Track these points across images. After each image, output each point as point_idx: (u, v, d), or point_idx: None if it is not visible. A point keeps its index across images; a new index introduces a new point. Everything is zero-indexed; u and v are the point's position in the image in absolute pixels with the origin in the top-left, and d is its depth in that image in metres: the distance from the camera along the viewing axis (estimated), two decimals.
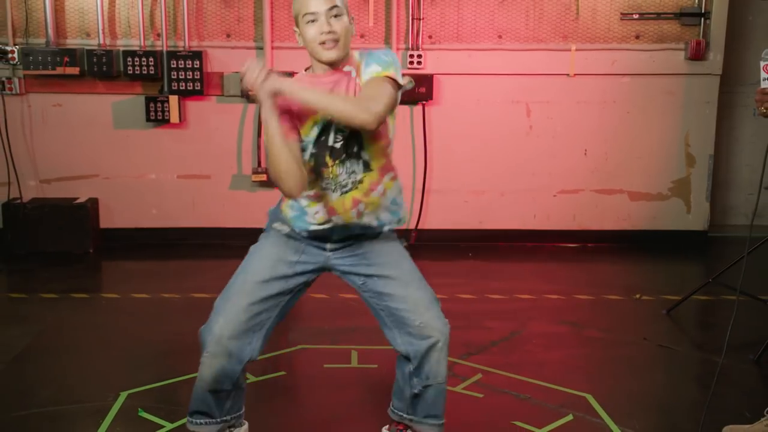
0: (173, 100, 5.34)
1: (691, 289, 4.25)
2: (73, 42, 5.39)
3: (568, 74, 5.54)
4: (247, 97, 5.27)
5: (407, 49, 5.46)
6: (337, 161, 2.31)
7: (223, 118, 5.53)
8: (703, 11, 5.47)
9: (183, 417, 2.52)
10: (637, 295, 4.53)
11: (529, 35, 5.51)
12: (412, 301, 2.41)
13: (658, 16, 5.49)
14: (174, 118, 5.37)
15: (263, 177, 5.46)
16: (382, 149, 2.37)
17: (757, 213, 3.82)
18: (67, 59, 5.23)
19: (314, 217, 2.36)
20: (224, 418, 2.48)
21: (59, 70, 5.24)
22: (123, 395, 3.11)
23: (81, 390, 3.17)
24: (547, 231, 5.73)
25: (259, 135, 5.47)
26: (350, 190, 2.34)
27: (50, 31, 5.29)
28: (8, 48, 5.27)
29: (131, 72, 5.28)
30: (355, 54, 2.34)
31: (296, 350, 3.66)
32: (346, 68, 2.31)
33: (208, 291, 2.49)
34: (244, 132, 5.54)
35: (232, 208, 5.61)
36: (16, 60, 5.29)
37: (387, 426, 2.68)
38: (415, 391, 2.48)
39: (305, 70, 2.39)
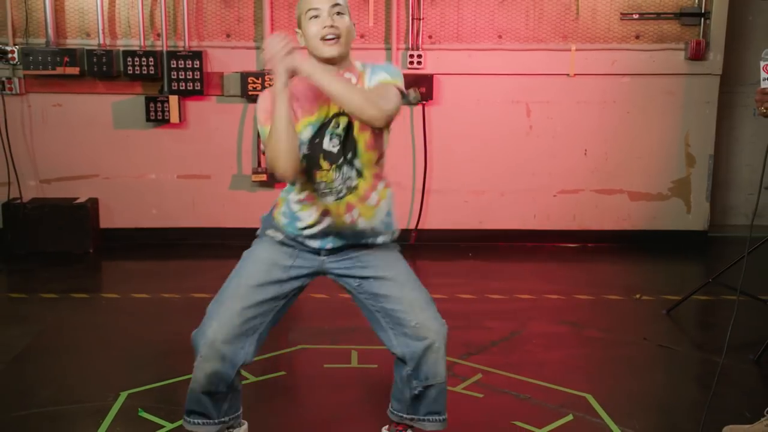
0: (173, 100, 5.34)
1: (691, 289, 4.25)
2: (73, 42, 5.39)
3: (568, 74, 5.54)
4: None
5: (407, 49, 5.46)
6: (333, 166, 2.31)
7: (223, 118, 5.53)
8: (703, 11, 5.47)
9: (182, 417, 2.52)
10: (637, 295, 4.53)
11: (529, 35, 5.51)
12: (407, 302, 2.40)
13: (658, 16, 5.49)
14: (174, 118, 5.37)
15: (263, 177, 5.46)
16: (376, 159, 2.37)
17: (757, 213, 3.82)
18: (67, 59, 5.23)
19: (306, 220, 2.36)
20: (222, 419, 2.47)
21: (59, 70, 5.24)
22: (123, 395, 3.11)
23: (81, 390, 3.17)
24: (547, 231, 5.73)
25: (259, 135, 5.46)
26: (345, 195, 2.34)
27: (50, 31, 5.29)
28: (8, 48, 5.27)
29: (131, 72, 5.28)
30: (357, 63, 2.35)
31: (296, 350, 3.66)
32: (347, 74, 2.31)
33: (208, 291, 2.48)
34: (244, 132, 5.54)
35: (232, 208, 5.61)
36: (16, 60, 5.29)
37: (387, 426, 2.68)
38: (416, 392, 2.48)
39: None
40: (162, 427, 2.86)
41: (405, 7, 5.43)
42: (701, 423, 2.70)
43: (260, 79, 5.30)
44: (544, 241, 5.72)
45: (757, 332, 3.69)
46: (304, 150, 2.30)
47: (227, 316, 2.33)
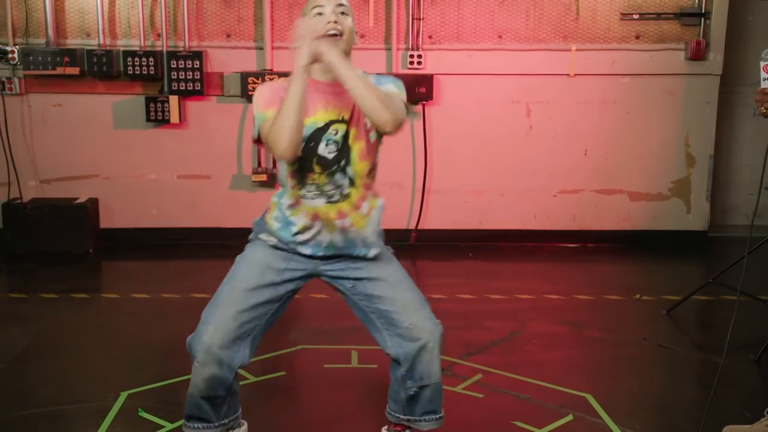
0: (173, 100, 5.34)
1: (691, 289, 4.25)
2: (73, 42, 5.39)
3: (568, 74, 5.54)
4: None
5: (407, 49, 5.46)
6: (326, 172, 2.32)
7: (223, 119, 5.53)
8: (703, 11, 5.47)
9: (183, 417, 2.52)
10: (637, 295, 4.53)
11: (529, 35, 5.51)
12: (400, 302, 2.41)
13: (658, 16, 5.49)
14: (174, 118, 5.37)
15: (263, 177, 5.46)
16: (368, 170, 2.37)
17: (757, 213, 3.82)
18: (67, 59, 5.23)
19: (298, 224, 2.36)
20: (222, 422, 2.47)
21: (59, 70, 5.24)
22: (123, 395, 3.11)
23: (81, 390, 3.17)
24: (547, 231, 5.73)
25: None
26: (337, 201, 2.34)
27: (50, 31, 5.29)
28: (8, 48, 5.27)
29: (131, 72, 5.28)
30: (358, 70, 2.35)
31: (296, 350, 3.66)
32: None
33: (208, 291, 2.48)
34: (244, 132, 5.54)
35: (232, 208, 5.61)
36: (16, 60, 5.29)
37: (386, 427, 2.68)
38: (411, 393, 2.48)
39: None
40: (162, 427, 2.86)
41: (405, 7, 5.43)
42: (701, 423, 2.70)
43: (260, 79, 5.30)
44: (544, 241, 5.72)
45: (757, 332, 3.69)
46: (299, 153, 2.30)
47: (223, 321, 2.32)
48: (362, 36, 5.43)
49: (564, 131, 5.62)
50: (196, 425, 2.45)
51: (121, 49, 5.34)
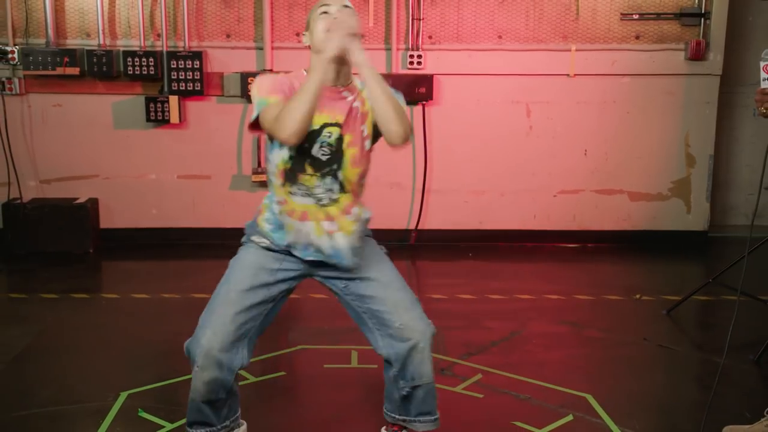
0: (173, 100, 5.34)
1: (691, 289, 4.25)
2: (73, 42, 5.39)
3: (568, 74, 5.54)
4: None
5: (407, 49, 5.46)
6: (317, 173, 2.33)
7: (223, 119, 5.53)
8: (703, 11, 5.47)
9: (183, 417, 2.52)
10: (637, 296, 4.53)
11: (529, 35, 5.51)
12: (392, 302, 2.42)
13: (658, 16, 5.49)
14: (174, 118, 5.37)
15: (263, 177, 5.46)
16: (358, 177, 2.39)
17: (757, 213, 3.82)
18: (67, 59, 5.23)
19: (287, 224, 2.36)
20: (223, 424, 2.47)
21: (59, 71, 5.24)
22: (123, 395, 3.11)
23: (81, 390, 3.17)
24: (547, 231, 5.73)
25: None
26: (327, 204, 2.35)
27: (50, 32, 5.29)
28: (8, 48, 5.27)
29: (131, 72, 5.28)
30: (357, 82, 2.37)
31: (296, 350, 3.66)
32: (344, 93, 2.34)
33: (208, 291, 2.48)
34: (244, 132, 5.54)
35: (232, 208, 5.61)
36: (16, 60, 5.29)
37: (385, 427, 2.68)
38: (403, 393, 2.49)
39: (304, 70, 2.39)
40: (162, 427, 2.86)
41: (405, 8, 5.43)
42: (701, 423, 2.70)
43: None
44: (544, 241, 5.72)
45: (757, 332, 3.69)
46: (291, 152, 2.31)
47: (221, 324, 2.33)
48: (362, 36, 5.42)
49: (564, 131, 5.62)
50: (199, 430, 2.44)
51: (121, 49, 5.34)
